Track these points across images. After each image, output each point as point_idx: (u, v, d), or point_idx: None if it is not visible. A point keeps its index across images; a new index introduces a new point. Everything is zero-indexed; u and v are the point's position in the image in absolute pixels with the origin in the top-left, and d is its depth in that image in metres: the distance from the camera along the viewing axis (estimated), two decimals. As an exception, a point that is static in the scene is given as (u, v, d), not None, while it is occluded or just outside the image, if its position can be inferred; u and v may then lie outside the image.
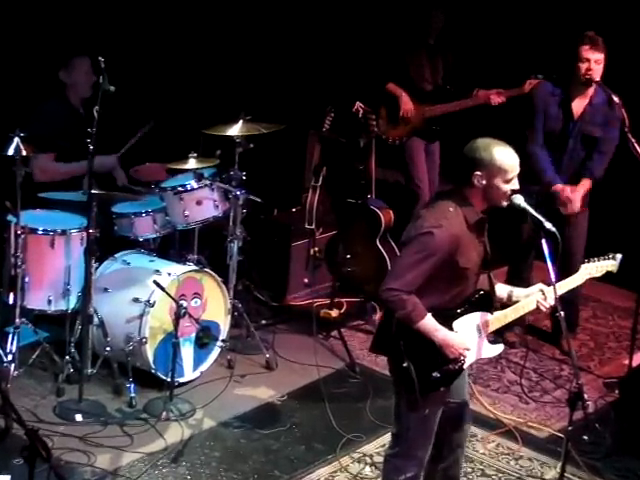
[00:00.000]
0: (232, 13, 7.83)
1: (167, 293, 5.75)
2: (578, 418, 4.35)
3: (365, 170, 7.02)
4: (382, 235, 6.93)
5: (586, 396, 4.23)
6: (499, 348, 4.65)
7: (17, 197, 5.59)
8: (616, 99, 6.30)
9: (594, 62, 6.25)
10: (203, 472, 5.29)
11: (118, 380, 5.87)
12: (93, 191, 5.55)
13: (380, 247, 6.91)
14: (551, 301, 4.45)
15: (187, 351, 6.00)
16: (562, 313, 4.36)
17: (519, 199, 4.37)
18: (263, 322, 6.87)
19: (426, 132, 7.63)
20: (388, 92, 7.51)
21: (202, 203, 6.19)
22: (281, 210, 7.62)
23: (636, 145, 6.15)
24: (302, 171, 7.73)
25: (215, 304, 6.14)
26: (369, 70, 7.63)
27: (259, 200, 6.40)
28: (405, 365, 4.35)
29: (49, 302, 5.82)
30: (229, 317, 6.27)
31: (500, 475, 5.47)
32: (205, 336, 5.93)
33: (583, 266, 4.73)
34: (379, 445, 5.57)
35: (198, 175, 6.17)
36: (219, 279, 6.15)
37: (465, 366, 4.48)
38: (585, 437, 4.72)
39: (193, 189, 6.17)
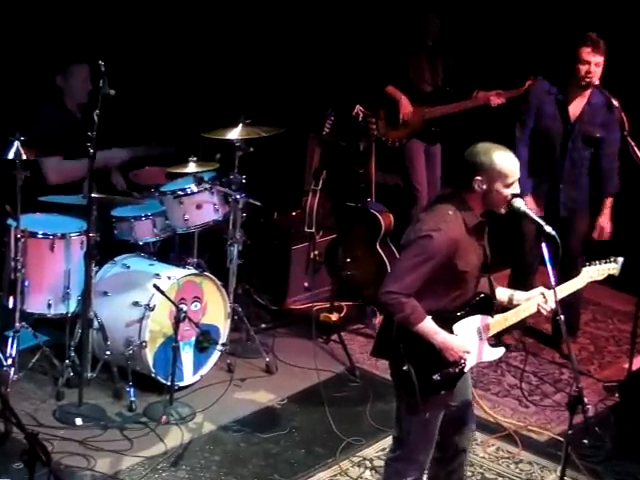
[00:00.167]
0: (232, 17, 7.83)
1: (167, 297, 5.74)
2: (578, 422, 4.34)
3: (365, 174, 7.01)
4: (382, 239, 6.93)
5: (586, 400, 4.23)
6: (500, 351, 4.65)
7: (17, 201, 5.59)
8: (615, 103, 6.29)
9: (594, 65, 6.22)
10: (203, 476, 5.28)
11: (118, 384, 5.86)
12: (93, 195, 5.55)
13: (380, 251, 6.91)
14: (552, 304, 4.45)
15: (187, 355, 6.00)
16: (562, 317, 4.36)
17: (519, 203, 4.37)
18: (263, 326, 6.87)
19: (426, 134, 7.64)
20: (387, 95, 7.52)
21: (202, 207, 6.19)
22: (281, 213, 7.62)
23: (636, 149, 6.15)
24: (302, 175, 7.73)
25: (215, 308, 6.14)
26: (368, 73, 7.64)
27: (259, 204, 6.40)
28: (405, 368, 4.34)
29: (49, 306, 5.82)
30: (229, 321, 6.27)
31: (500, 479, 5.46)
32: (205, 340, 5.92)
33: (584, 269, 4.73)
34: (379, 449, 5.56)
35: (198, 179, 6.17)
36: (219, 283, 6.15)
37: (466, 369, 4.48)
38: (585, 441, 4.73)
39: (193, 193, 6.17)
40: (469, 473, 5.40)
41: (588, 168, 6.50)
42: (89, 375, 5.75)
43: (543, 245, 4.34)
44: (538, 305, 4.51)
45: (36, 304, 5.81)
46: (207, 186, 6.18)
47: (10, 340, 5.72)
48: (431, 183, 7.76)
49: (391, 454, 4.66)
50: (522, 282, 6.26)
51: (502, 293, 4.61)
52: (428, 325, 4.32)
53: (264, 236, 7.27)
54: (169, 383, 5.66)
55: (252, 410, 5.92)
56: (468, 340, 4.44)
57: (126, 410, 5.75)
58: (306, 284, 7.19)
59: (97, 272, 5.93)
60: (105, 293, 5.97)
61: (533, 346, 6.86)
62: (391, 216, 7.03)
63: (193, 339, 6.00)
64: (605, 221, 6.54)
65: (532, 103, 6.45)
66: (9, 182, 5.61)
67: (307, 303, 7.19)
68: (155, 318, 5.82)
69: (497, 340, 4.65)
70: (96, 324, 5.78)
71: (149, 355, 5.83)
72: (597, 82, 6.28)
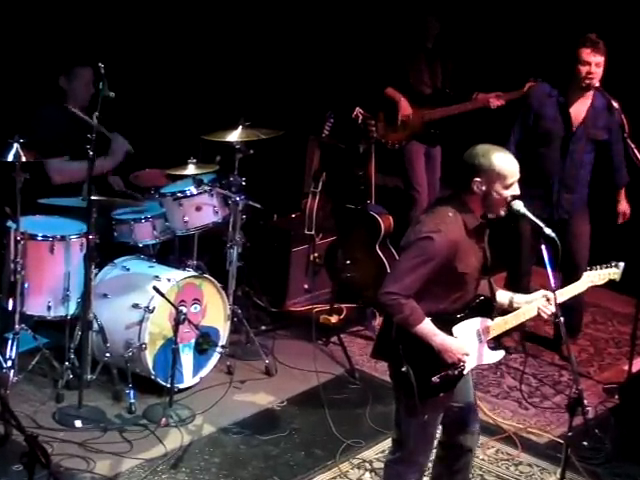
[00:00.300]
0: (232, 19, 7.84)
1: (167, 299, 5.74)
2: (578, 424, 4.34)
3: (365, 176, 7.01)
4: (382, 241, 6.93)
5: (586, 402, 4.23)
6: (500, 354, 4.64)
7: (17, 203, 5.59)
8: (615, 105, 6.28)
9: (595, 65, 6.21)
10: (203, 478, 5.28)
11: (118, 386, 5.86)
12: (93, 197, 5.55)
13: (380, 253, 6.90)
14: (552, 308, 4.45)
15: (187, 357, 5.99)
16: (562, 319, 4.36)
17: (518, 204, 4.37)
18: (263, 328, 6.87)
19: (425, 136, 7.64)
20: (387, 97, 7.53)
21: (202, 209, 6.19)
22: (281, 216, 7.62)
23: (636, 151, 6.15)
24: (302, 177, 7.73)
25: (215, 310, 6.14)
26: (368, 75, 7.65)
27: (259, 206, 6.40)
28: (404, 370, 4.34)
29: (49, 308, 5.82)
30: (229, 323, 6.27)
31: (500, 481, 5.48)
32: (205, 342, 5.93)
33: (585, 274, 4.72)
34: (379, 451, 5.56)
35: (198, 181, 6.17)
36: (219, 285, 6.15)
37: (465, 372, 4.47)
38: (585, 443, 4.73)
39: (193, 195, 6.17)
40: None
41: (590, 170, 6.49)
42: (89, 377, 5.75)
43: (543, 247, 4.34)
44: (539, 308, 4.51)
45: (36, 306, 5.81)
46: (207, 188, 6.18)
47: (10, 342, 5.72)
48: (431, 185, 7.77)
49: (391, 456, 4.67)
50: (517, 285, 6.26)
51: (502, 296, 4.60)
52: (427, 326, 4.32)
53: (264, 238, 7.27)
54: (169, 385, 5.66)
55: (252, 412, 5.92)
56: (467, 342, 4.44)
57: (126, 412, 5.75)
58: (306, 286, 7.20)
59: (97, 274, 5.93)
60: (105, 295, 5.97)
61: (533, 348, 6.86)
62: (391, 218, 7.02)
63: (193, 341, 6.00)
64: (624, 207, 6.70)
65: (532, 106, 6.44)
66: (9, 184, 5.61)
67: (307, 305, 7.20)
68: (155, 320, 5.82)
69: (497, 343, 4.63)
70: (96, 326, 5.78)
71: (149, 357, 5.83)
72: (598, 84, 6.28)
